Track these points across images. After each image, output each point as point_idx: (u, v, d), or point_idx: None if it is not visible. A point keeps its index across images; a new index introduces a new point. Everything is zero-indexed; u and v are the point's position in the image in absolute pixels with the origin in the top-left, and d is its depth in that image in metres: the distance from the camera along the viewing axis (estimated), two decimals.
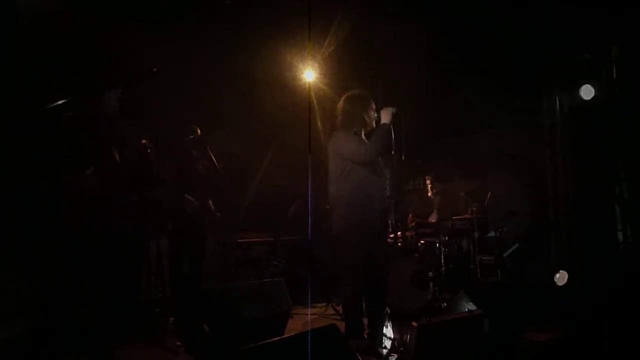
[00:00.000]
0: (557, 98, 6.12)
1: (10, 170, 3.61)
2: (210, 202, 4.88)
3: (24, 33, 4.01)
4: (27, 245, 3.50)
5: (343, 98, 4.02)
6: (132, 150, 3.63)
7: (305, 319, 5.01)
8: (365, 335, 3.83)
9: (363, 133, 3.95)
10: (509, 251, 5.71)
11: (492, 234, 5.57)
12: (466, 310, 3.30)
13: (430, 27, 5.81)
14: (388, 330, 3.88)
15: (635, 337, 3.79)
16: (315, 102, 6.12)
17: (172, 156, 4.63)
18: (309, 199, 5.75)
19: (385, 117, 3.80)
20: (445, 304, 4.57)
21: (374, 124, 3.95)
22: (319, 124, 6.58)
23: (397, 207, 4.02)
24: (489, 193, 5.66)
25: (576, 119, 5.97)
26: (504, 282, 5.25)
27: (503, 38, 5.73)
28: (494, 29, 5.69)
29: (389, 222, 4.28)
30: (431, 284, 4.84)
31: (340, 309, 4.70)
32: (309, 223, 5.67)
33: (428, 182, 5.98)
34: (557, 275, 5.34)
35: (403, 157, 3.81)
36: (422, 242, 5.27)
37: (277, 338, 2.34)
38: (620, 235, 5.68)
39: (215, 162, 4.77)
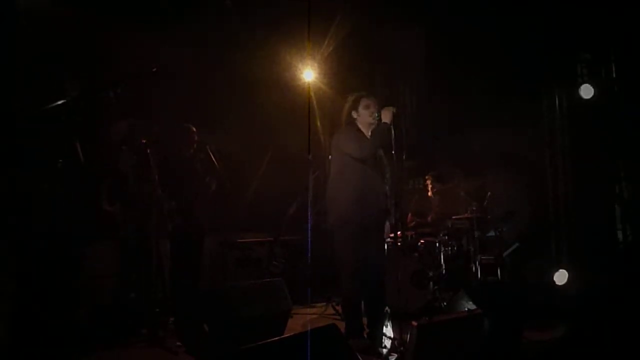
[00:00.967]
0: (557, 98, 6.12)
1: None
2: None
3: (24, 33, 4.02)
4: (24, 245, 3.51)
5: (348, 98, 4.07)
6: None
7: (305, 318, 5.01)
8: (365, 335, 3.84)
9: (369, 133, 3.96)
10: (509, 251, 5.70)
11: (492, 233, 5.57)
12: (466, 309, 3.29)
13: (430, 27, 5.82)
14: (388, 330, 3.87)
15: (635, 337, 3.79)
16: (314, 102, 6.12)
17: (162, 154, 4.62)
18: (309, 199, 5.76)
19: (386, 116, 3.82)
20: (445, 304, 4.57)
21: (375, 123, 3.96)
22: (318, 124, 6.58)
23: (397, 207, 4.01)
24: (489, 193, 5.65)
25: (576, 118, 5.97)
26: (503, 281, 5.25)
27: (503, 38, 5.74)
28: (494, 29, 5.69)
29: (389, 221, 4.28)
30: (431, 284, 4.84)
31: (340, 308, 4.70)
32: (309, 223, 5.68)
33: (428, 181, 5.98)
34: (557, 275, 5.35)
35: (404, 157, 3.81)
36: (421, 241, 5.27)
37: (277, 338, 2.34)
38: (620, 235, 5.68)
39: (215, 162, 4.78)
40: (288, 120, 6.07)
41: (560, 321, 4.30)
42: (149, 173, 4.21)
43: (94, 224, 4.26)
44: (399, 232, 4.45)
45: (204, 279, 5.16)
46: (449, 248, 5.29)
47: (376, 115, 3.87)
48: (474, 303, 3.33)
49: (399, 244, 4.60)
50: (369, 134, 3.92)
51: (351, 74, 6.42)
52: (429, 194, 5.96)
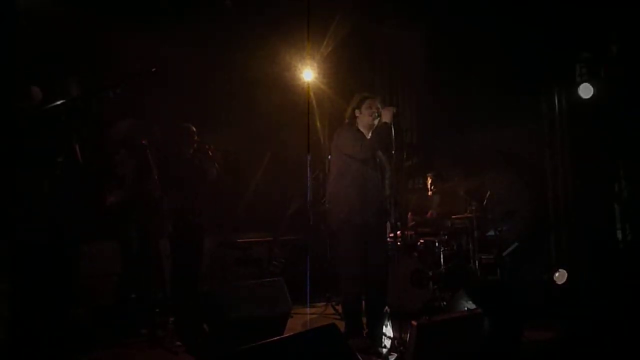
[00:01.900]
0: (556, 97, 6.12)
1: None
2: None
3: (24, 33, 4.02)
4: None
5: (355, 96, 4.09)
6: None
7: (305, 318, 5.01)
8: (365, 335, 3.84)
9: (370, 134, 3.97)
10: (509, 250, 5.70)
11: (491, 232, 5.57)
12: (466, 309, 3.30)
13: (430, 27, 5.83)
14: (388, 330, 3.87)
15: (635, 337, 3.79)
16: (314, 101, 6.12)
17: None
18: (308, 199, 5.77)
19: (386, 116, 3.83)
20: (444, 303, 4.57)
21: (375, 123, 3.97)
22: (318, 124, 6.58)
23: (396, 207, 4.02)
24: (489, 192, 5.65)
25: (576, 118, 5.97)
26: (503, 281, 5.25)
27: (503, 37, 5.74)
28: (494, 29, 5.69)
29: (388, 221, 4.29)
30: (431, 283, 4.84)
31: (340, 308, 4.70)
32: (309, 223, 5.68)
33: (428, 180, 5.98)
34: (557, 274, 5.35)
35: (405, 156, 3.82)
36: (421, 241, 5.27)
37: (276, 338, 2.34)
38: (619, 234, 5.68)
39: (215, 161, 4.77)
40: (288, 121, 6.07)
41: (560, 321, 4.30)
42: (149, 173, 4.22)
43: (94, 224, 4.26)
44: (398, 232, 4.45)
45: (204, 279, 5.16)
46: (449, 247, 5.29)
47: (377, 115, 3.89)
48: (474, 302, 3.33)
49: (398, 243, 4.60)
50: (369, 134, 3.93)
51: (351, 74, 6.43)
52: (429, 193, 5.96)
